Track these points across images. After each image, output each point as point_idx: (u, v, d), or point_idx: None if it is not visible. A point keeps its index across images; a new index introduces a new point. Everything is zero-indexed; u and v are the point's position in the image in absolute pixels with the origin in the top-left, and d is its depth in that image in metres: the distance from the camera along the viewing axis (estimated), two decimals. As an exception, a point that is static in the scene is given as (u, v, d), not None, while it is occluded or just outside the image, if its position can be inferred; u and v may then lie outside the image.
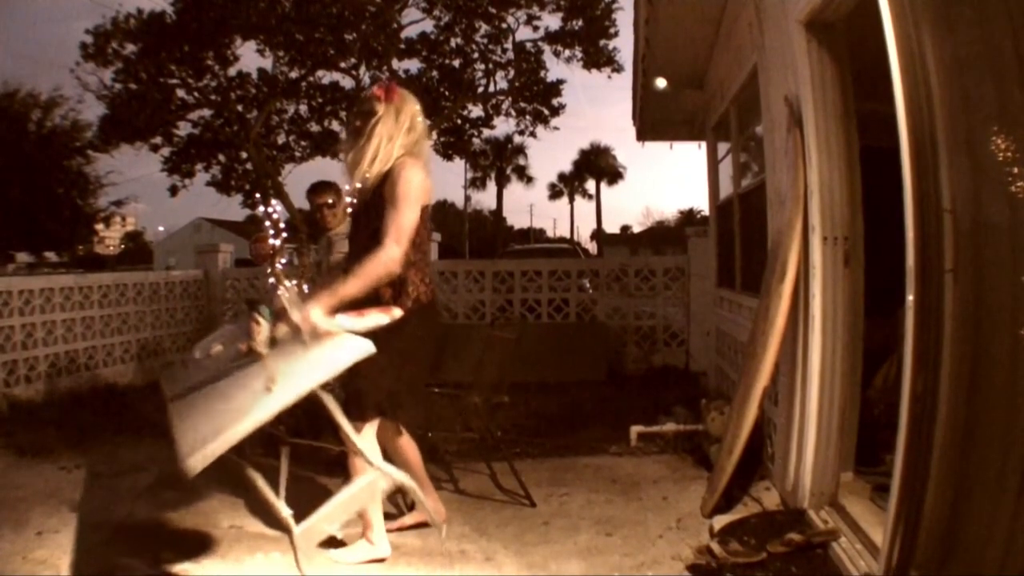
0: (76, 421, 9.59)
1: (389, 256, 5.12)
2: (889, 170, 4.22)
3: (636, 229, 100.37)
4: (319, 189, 8.47)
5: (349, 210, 7.07)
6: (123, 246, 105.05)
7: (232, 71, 16.65)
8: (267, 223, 11.94)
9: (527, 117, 19.47)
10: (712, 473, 7.03)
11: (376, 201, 5.42)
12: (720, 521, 6.02)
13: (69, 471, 8.40)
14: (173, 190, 19.09)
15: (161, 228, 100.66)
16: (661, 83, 10.68)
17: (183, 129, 17.79)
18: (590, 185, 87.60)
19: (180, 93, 16.64)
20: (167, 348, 14.52)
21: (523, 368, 7.68)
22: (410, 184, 5.28)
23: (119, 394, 11.98)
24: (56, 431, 9.63)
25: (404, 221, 5.21)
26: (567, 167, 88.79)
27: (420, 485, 5.46)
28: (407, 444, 5.81)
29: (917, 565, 3.80)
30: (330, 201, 8.38)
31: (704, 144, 11.71)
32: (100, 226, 42.22)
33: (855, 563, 4.75)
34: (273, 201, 12.86)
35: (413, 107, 5.56)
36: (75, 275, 13.87)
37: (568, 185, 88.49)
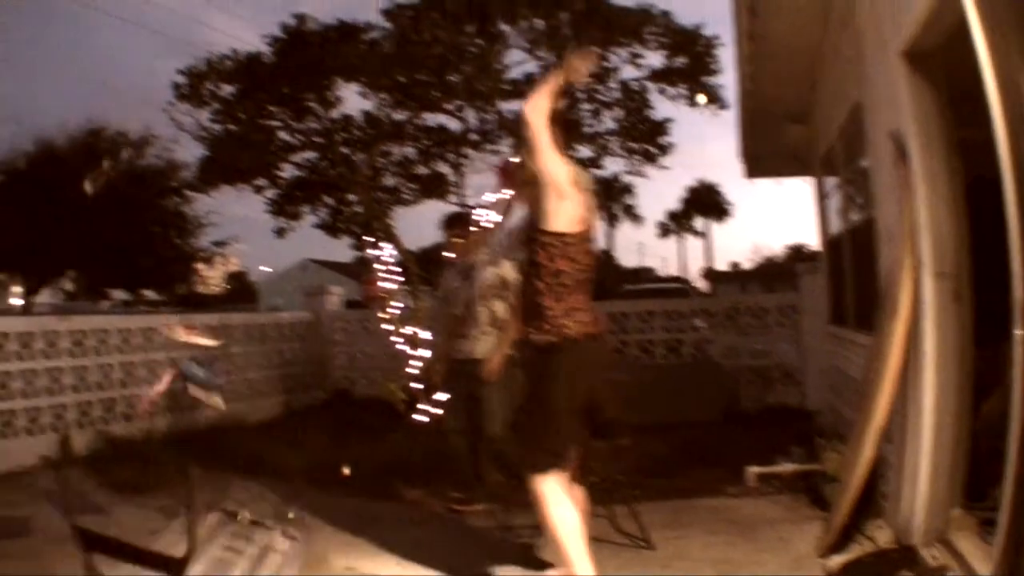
0: (176, 460, 9.53)
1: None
2: (987, 197, 4.19)
3: (745, 266, 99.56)
4: (449, 224, 8.77)
5: None
6: (226, 286, 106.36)
7: (335, 113, 16.77)
8: (377, 266, 12.16)
9: (636, 156, 19.46)
10: (829, 512, 6.98)
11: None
12: (835, 561, 5.99)
13: (168, 510, 8.34)
14: (280, 232, 19.27)
15: (266, 268, 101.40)
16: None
17: (287, 170, 17.93)
18: (698, 222, 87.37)
19: (282, 135, 16.77)
20: (275, 389, 14.69)
21: (639, 409, 7.64)
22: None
23: (227, 432, 12.04)
24: (156, 469, 9.64)
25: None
26: (675, 205, 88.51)
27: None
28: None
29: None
30: (458, 234, 8.57)
31: (812, 179, 11.66)
32: (201, 266, 42.44)
33: (963, 600, 4.70)
34: (383, 244, 12.97)
35: None
36: (179, 315, 14.07)
37: (677, 223, 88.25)
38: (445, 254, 9.20)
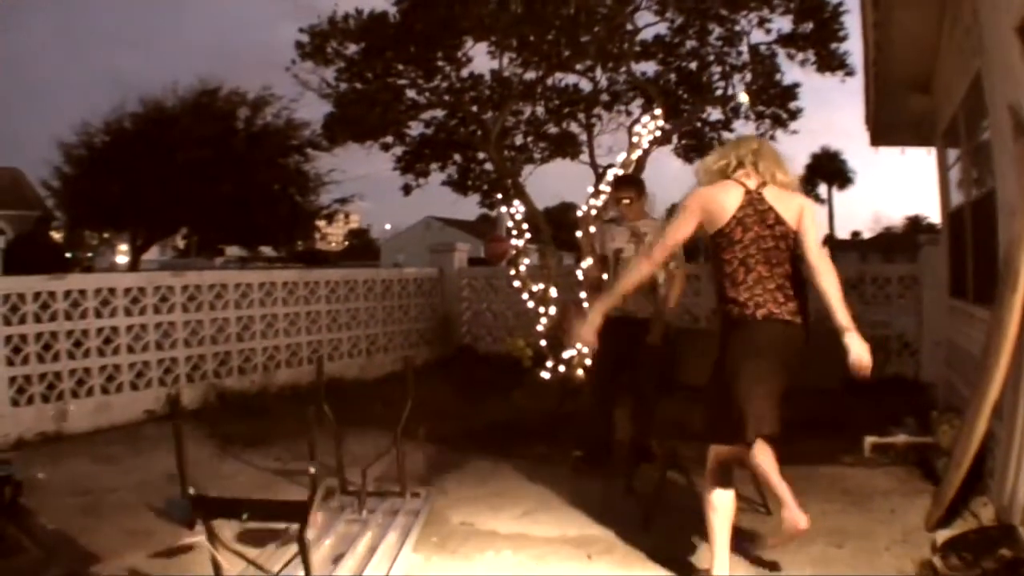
0: (293, 412, 9.60)
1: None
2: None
3: (866, 235, 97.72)
4: (620, 185, 8.94)
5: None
6: (347, 243, 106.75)
7: (464, 72, 16.79)
8: (508, 223, 12.28)
9: (766, 120, 19.29)
10: (939, 487, 7.02)
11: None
12: (942, 536, 6.00)
13: (284, 463, 8.71)
14: (407, 189, 19.33)
15: (388, 226, 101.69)
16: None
17: (415, 129, 17.98)
18: (822, 189, 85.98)
19: (411, 93, 16.83)
20: (399, 344, 14.92)
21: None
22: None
23: (344, 388, 12.19)
24: (271, 422, 9.99)
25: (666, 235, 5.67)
26: (799, 171, 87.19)
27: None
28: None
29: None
30: (628, 197, 8.70)
31: (934, 150, 11.53)
32: (323, 223, 42.50)
33: (1058, 580, 4.73)
34: (514, 201, 13.11)
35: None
36: (299, 270, 14.28)
37: (801, 189, 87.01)
38: (611, 214, 9.52)
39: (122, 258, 45.75)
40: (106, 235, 46.99)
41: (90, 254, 53.24)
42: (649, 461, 8.46)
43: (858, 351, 5.32)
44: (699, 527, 6.01)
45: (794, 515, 5.26)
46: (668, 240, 5.63)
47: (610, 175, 11.84)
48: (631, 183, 8.93)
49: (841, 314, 5.33)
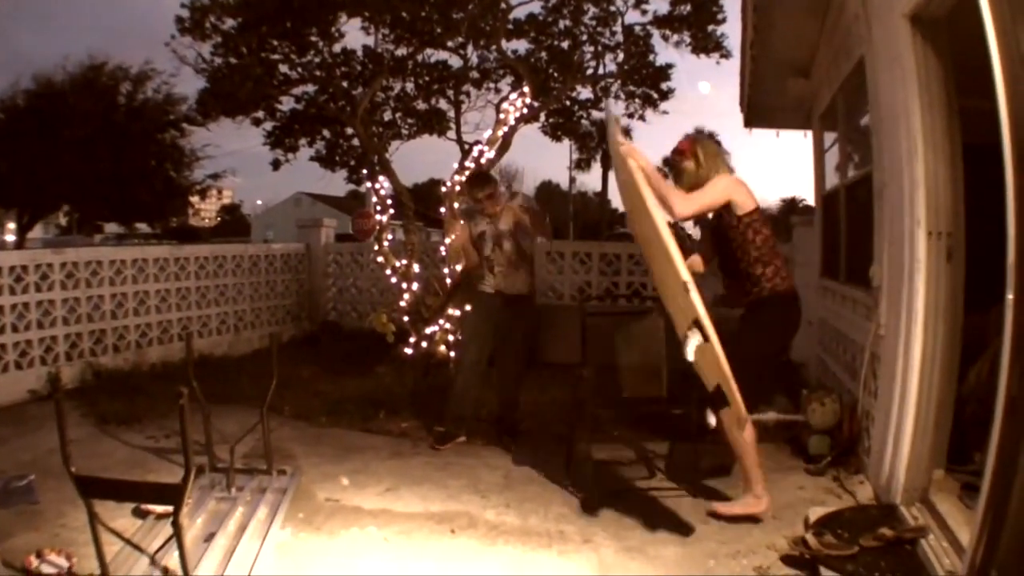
0: (165, 391, 9.40)
1: (674, 211, 6.06)
2: (986, 167, 4.21)
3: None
4: (480, 184, 9.00)
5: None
6: (219, 219, 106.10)
7: (337, 48, 16.64)
8: (374, 199, 12.23)
9: (636, 100, 19.39)
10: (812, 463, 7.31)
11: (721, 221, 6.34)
12: (815, 512, 6.04)
13: (157, 440, 8.62)
14: (276, 164, 19.17)
15: (259, 202, 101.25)
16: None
17: (286, 104, 17.82)
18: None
19: (283, 68, 16.62)
20: (265, 321, 14.77)
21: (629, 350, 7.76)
22: (713, 185, 6.22)
23: (213, 365, 12.18)
24: (144, 401, 9.82)
25: (698, 196, 6.18)
26: (667, 152, 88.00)
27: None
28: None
29: (998, 567, 3.80)
30: (491, 192, 8.84)
31: (810, 133, 11.62)
32: (195, 199, 42.50)
33: (940, 561, 4.77)
34: (380, 177, 12.98)
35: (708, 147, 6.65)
36: (171, 246, 14.06)
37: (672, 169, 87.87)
38: (472, 205, 9.50)
39: (11, 236, 44.85)
40: (-6, 213, 46.21)
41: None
42: (512, 436, 8.80)
43: None
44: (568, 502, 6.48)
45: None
46: (704, 201, 6.19)
47: (475, 151, 12.21)
48: (485, 181, 9.11)
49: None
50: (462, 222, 9.69)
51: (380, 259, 12.58)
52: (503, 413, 9.05)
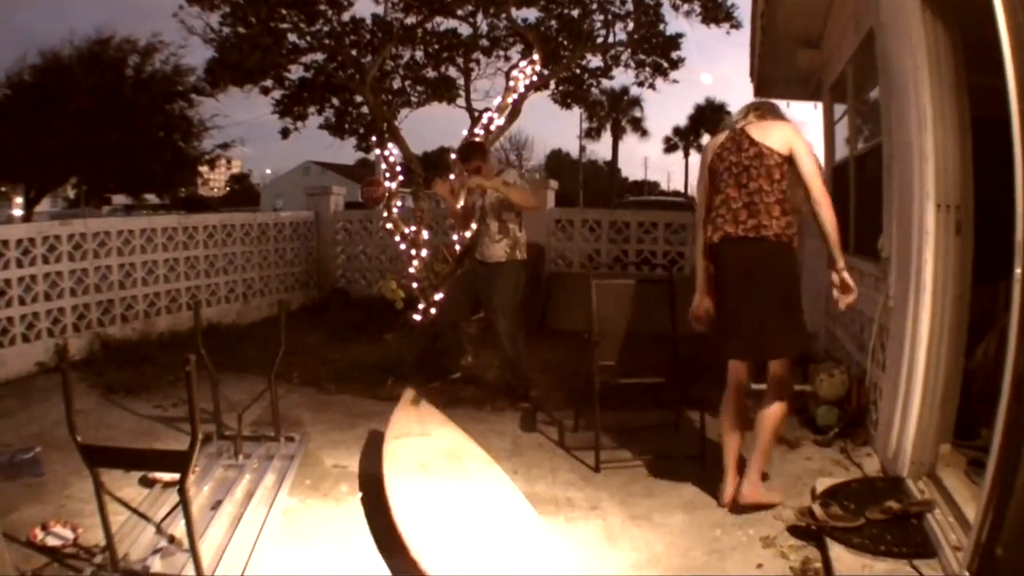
0: (173, 360, 9.68)
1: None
2: (996, 142, 4.19)
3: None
4: (469, 154, 9.37)
5: None
6: (228, 188, 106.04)
7: (346, 16, 16.55)
8: (383, 166, 12.23)
9: (646, 69, 19.30)
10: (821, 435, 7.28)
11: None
12: (822, 483, 6.05)
13: (165, 409, 8.65)
14: (284, 132, 19.09)
15: (268, 171, 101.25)
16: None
17: (295, 73, 17.76)
18: (705, 139, 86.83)
19: (292, 37, 16.55)
20: (274, 288, 14.79)
21: (637, 320, 7.75)
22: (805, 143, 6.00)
23: (221, 333, 12.24)
24: (152, 370, 9.86)
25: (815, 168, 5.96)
26: (682, 121, 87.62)
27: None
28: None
29: (1004, 543, 3.81)
30: (479, 164, 9.15)
31: (820, 104, 11.58)
32: (204, 169, 42.50)
33: (946, 536, 4.77)
34: (389, 145, 13.05)
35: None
36: (179, 216, 14.03)
37: (683, 139, 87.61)
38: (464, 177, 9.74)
39: (18, 211, 44.91)
40: (3, 189, 46.17)
41: (-13, 210, 52.42)
42: (524, 401, 9.01)
43: (840, 286, 5.89)
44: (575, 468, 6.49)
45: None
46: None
47: (485, 118, 12.51)
48: (476, 152, 9.37)
49: (834, 249, 5.87)
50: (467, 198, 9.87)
51: (389, 226, 12.60)
52: (508, 377, 9.26)
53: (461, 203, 9.89)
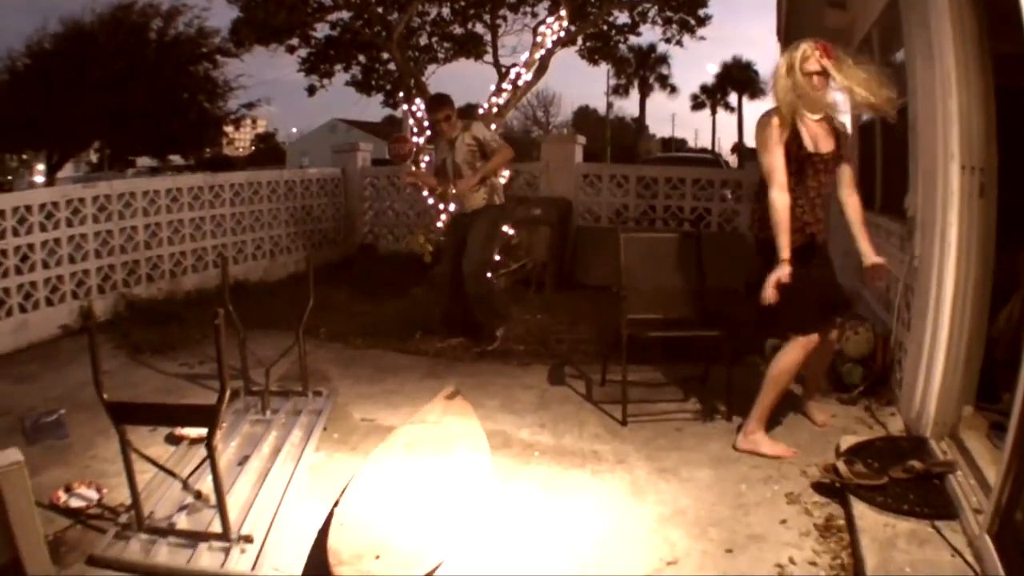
0: (200, 318, 9.82)
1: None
2: (1017, 111, 4.19)
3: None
4: (438, 105, 9.52)
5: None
6: (254, 147, 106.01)
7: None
8: (410, 122, 12.26)
9: (673, 25, 19.23)
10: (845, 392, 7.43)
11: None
12: (846, 441, 6.09)
13: (191, 367, 8.72)
14: (311, 90, 19.17)
15: (294, 130, 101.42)
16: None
17: (321, 31, 17.78)
18: (732, 98, 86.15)
19: (317, -6, 16.59)
20: (301, 245, 14.83)
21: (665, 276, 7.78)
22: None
23: (248, 289, 12.33)
24: (178, 329, 9.94)
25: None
26: (709, 79, 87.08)
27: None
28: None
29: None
30: (448, 114, 9.39)
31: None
32: (229, 128, 42.59)
33: (968, 498, 4.81)
34: (416, 101, 13.01)
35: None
36: (205, 175, 14.07)
37: (710, 97, 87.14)
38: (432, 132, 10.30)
39: (40, 178, 45.02)
40: (24, 156, 46.43)
41: (9, 177, 52.89)
42: (491, 341, 9.38)
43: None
44: (602, 422, 6.68)
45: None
46: None
47: (512, 74, 12.61)
48: (442, 104, 9.54)
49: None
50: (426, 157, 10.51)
51: (411, 186, 12.66)
52: (474, 316, 9.48)
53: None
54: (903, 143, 7.18)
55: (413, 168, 10.22)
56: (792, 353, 6.28)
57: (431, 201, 12.21)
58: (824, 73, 5.89)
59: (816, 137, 6.11)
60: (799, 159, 6.07)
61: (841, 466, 5.34)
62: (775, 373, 6.34)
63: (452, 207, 10.27)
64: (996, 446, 5.16)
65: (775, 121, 6.03)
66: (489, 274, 9.78)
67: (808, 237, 6.23)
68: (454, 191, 9.49)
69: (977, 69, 5.68)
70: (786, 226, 5.94)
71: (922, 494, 4.98)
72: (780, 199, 5.97)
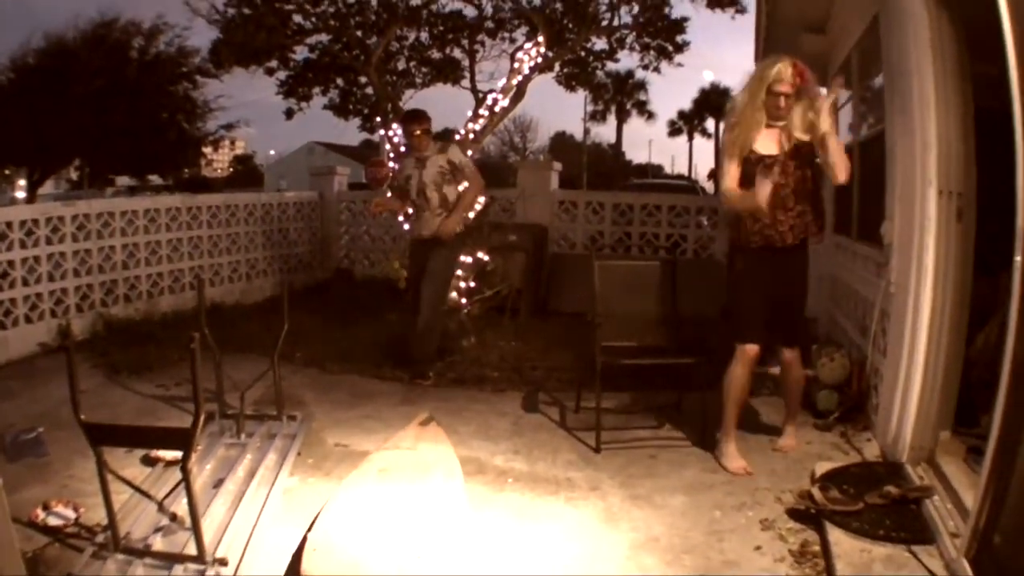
0: (176, 340, 9.59)
1: None
2: (997, 132, 4.20)
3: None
4: (415, 118, 9.44)
5: None
6: (232, 169, 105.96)
7: (351, -2, 16.63)
8: (387, 147, 12.25)
9: (651, 52, 19.34)
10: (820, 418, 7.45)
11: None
12: (821, 467, 6.09)
13: (168, 388, 8.67)
14: (289, 113, 19.27)
15: (272, 152, 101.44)
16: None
17: (300, 53, 17.85)
18: (709, 124, 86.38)
19: (297, 18, 16.60)
20: (278, 269, 14.77)
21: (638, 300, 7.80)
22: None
23: (225, 312, 12.24)
24: (155, 350, 9.86)
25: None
26: (687, 105, 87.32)
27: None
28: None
29: (1002, 531, 3.83)
30: (426, 128, 9.31)
31: (825, 90, 11.57)
32: (208, 149, 42.92)
33: (945, 522, 4.79)
34: (393, 125, 12.98)
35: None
36: (183, 196, 14.07)
37: (688, 123, 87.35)
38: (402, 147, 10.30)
39: (21, 194, 45.02)
40: (7, 172, 46.36)
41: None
42: (422, 379, 9.18)
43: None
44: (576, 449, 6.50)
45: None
46: None
47: (489, 99, 12.63)
48: (420, 117, 9.45)
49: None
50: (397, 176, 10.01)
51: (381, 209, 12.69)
52: (413, 349, 9.37)
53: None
54: (880, 170, 7.21)
55: (378, 200, 10.12)
56: (733, 364, 6.46)
57: (407, 227, 12.23)
58: (793, 96, 5.95)
59: (766, 138, 6.29)
60: (751, 161, 6.21)
61: (816, 492, 5.34)
62: (723, 386, 6.55)
63: (406, 227, 10.29)
64: (974, 470, 5.16)
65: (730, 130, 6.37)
66: (464, 301, 9.78)
67: (765, 239, 6.28)
68: (428, 229, 9.31)
69: (956, 92, 5.73)
70: (742, 192, 6.18)
71: (898, 519, 4.97)
72: (727, 188, 6.31)
